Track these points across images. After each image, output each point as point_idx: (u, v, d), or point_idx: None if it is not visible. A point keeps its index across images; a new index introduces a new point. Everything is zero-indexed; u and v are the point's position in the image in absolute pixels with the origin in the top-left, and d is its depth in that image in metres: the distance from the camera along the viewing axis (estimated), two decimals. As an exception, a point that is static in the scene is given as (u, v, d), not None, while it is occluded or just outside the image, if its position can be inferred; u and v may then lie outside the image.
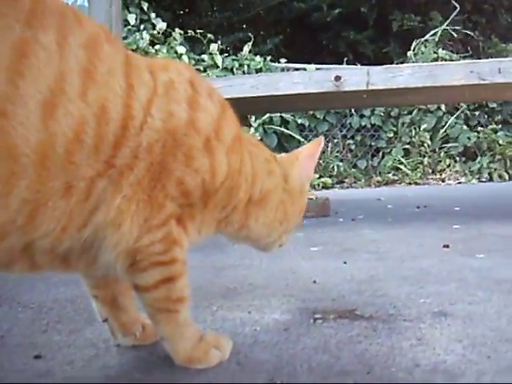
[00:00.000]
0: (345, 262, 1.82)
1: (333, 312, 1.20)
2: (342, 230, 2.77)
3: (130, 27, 8.26)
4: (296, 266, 1.80)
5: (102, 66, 0.81)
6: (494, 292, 1.36)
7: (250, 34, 8.97)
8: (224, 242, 2.38)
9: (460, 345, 0.98)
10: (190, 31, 9.75)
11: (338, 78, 2.81)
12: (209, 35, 9.08)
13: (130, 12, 8.52)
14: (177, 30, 8.34)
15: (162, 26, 8.31)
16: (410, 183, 8.26)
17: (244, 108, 4.09)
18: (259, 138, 7.90)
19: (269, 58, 8.65)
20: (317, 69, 8.86)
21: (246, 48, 8.67)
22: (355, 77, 2.83)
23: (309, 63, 9.23)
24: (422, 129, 8.86)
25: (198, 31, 10.02)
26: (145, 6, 8.81)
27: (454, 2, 9.65)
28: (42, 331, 1.16)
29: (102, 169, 0.80)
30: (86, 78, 0.79)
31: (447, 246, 2.07)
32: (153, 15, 8.64)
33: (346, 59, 9.22)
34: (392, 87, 2.81)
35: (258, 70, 8.42)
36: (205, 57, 8.22)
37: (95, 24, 0.86)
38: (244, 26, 10.32)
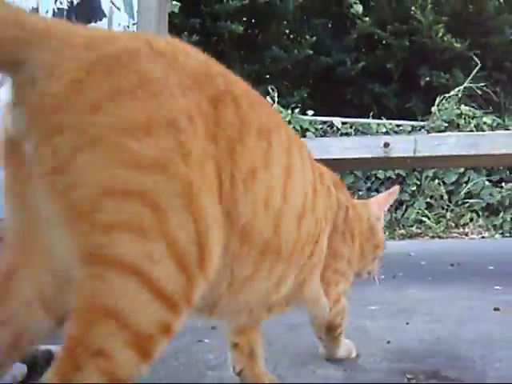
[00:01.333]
0: (407, 323, 1.97)
1: (421, 373, 1.35)
2: (388, 289, 2.91)
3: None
4: (364, 326, 1.95)
5: (319, 185, 1.15)
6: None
7: (275, 87, 9.24)
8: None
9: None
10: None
11: (386, 145, 3.00)
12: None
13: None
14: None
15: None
16: (433, 236, 8.38)
17: None
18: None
19: (296, 110, 8.89)
20: (343, 123, 9.12)
21: (269, 99, 8.91)
22: (403, 144, 3.01)
23: (334, 115, 9.48)
24: (444, 183, 9.01)
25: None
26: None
27: (475, 58, 9.92)
28: None
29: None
30: (314, 195, 1.07)
31: (498, 309, 2.21)
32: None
33: (371, 113, 9.46)
34: (437, 154, 2.99)
35: (287, 122, 8.64)
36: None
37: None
38: (270, 78, 10.61)
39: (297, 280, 1.08)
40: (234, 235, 0.86)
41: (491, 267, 3.94)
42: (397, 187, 1.57)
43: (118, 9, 5.78)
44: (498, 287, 2.89)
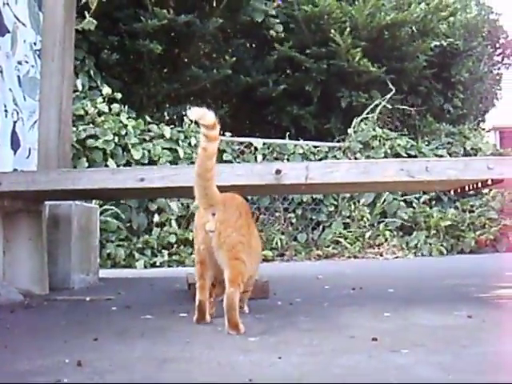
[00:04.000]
0: (279, 357, 1.95)
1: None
2: (278, 317, 2.89)
3: (77, 93, 8.36)
4: (234, 361, 1.92)
5: None
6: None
7: (193, 107, 9.18)
8: (167, 328, 2.49)
9: None
10: (138, 100, 9.98)
11: (278, 172, 3.00)
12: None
13: (77, 77, 8.64)
14: (120, 97, 8.46)
15: (107, 91, 8.43)
16: (349, 257, 8.49)
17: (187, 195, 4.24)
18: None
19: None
20: (264, 143, 9.15)
21: (187, 120, 8.83)
22: (295, 171, 3.02)
23: (253, 136, 9.51)
24: (361, 203, 9.16)
25: (146, 101, 10.26)
26: (94, 73, 8.99)
27: (390, 84, 10.19)
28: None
29: None
30: None
31: (375, 339, 2.22)
32: (102, 84, 8.79)
33: (288, 134, 9.55)
34: (330, 182, 3.01)
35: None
36: (153, 127, 8.37)
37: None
38: (190, 98, 10.59)
39: None
40: None
41: (391, 290, 4.00)
42: None
43: (24, 25, 5.64)
44: (387, 314, 2.92)
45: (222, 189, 2.82)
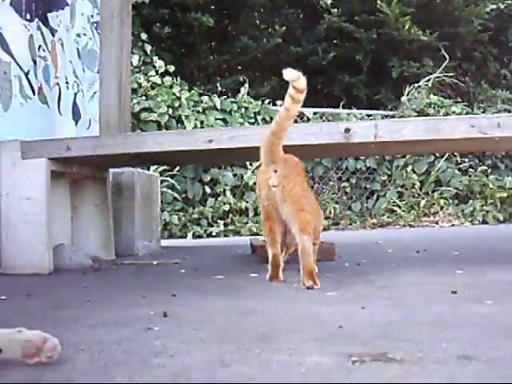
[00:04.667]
0: (363, 308, 1.95)
1: (367, 355, 1.32)
2: (349, 276, 2.90)
3: (132, 68, 8.42)
4: (317, 312, 1.93)
5: None
6: (510, 338, 1.49)
7: (246, 78, 9.19)
8: (240, 286, 2.53)
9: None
10: (189, 72, 9.99)
11: (347, 130, 2.97)
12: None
13: (132, 53, 8.70)
14: (174, 70, 8.51)
15: (160, 64, 8.48)
16: (404, 225, 8.41)
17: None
18: (255, 181, 8.05)
19: (266, 101, 8.84)
20: (314, 113, 9.10)
21: (243, 90, 8.86)
22: (364, 129, 2.99)
23: (305, 105, 9.42)
24: (415, 172, 9.05)
25: (197, 73, 10.27)
26: (148, 48, 9.02)
27: (443, 51, 9.97)
28: (103, 372, 1.28)
29: None
30: None
31: (455, 292, 2.20)
32: (155, 58, 8.82)
33: (342, 103, 9.46)
34: (398, 140, 2.97)
35: (256, 113, 8.61)
36: (204, 98, 8.39)
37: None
38: (241, 69, 10.56)
39: None
40: None
41: (456, 252, 3.95)
42: None
43: (82, -2, 5.68)
44: (459, 271, 2.89)
45: (291, 149, 2.83)
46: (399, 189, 9.11)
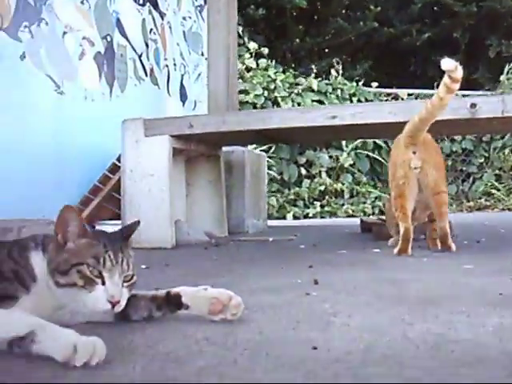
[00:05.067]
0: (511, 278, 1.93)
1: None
2: (476, 252, 2.87)
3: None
4: (466, 281, 1.92)
5: None
6: None
7: (339, 60, 9.13)
8: (369, 260, 2.56)
9: None
10: (281, 55, 10.01)
11: (473, 106, 2.93)
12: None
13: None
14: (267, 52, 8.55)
15: (254, 46, 8.53)
16: (503, 209, 8.20)
17: (383, 132, 4.24)
18: (352, 162, 8.02)
19: (361, 82, 8.77)
20: (409, 94, 8.97)
21: (334, 73, 8.82)
22: (490, 104, 2.94)
23: (397, 87, 9.31)
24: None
25: (289, 56, 10.27)
26: (239, 29, 9.07)
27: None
28: (292, 329, 1.32)
29: None
30: None
31: None
32: (246, 39, 8.89)
33: (436, 84, 9.25)
34: (528, 114, 2.90)
35: (352, 95, 8.56)
36: (301, 80, 8.40)
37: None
38: (333, 51, 10.51)
39: None
40: None
41: None
42: None
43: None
44: None
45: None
46: (497, 171, 8.88)
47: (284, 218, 7.28)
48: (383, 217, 4.57)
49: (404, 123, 2.82)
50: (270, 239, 3.81)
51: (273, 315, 1.47)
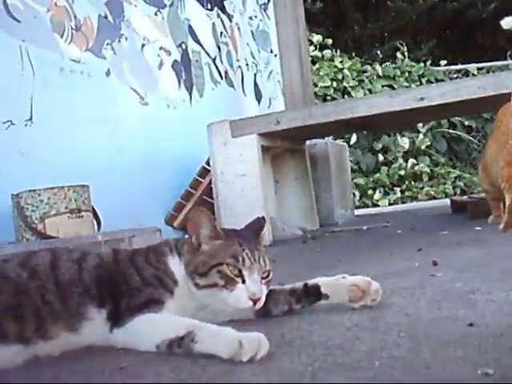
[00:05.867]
0: None
1: None
2: None
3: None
4: None
5: None
6: None
7: (402, 42, 9.00)
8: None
9: None
10: (343, 44, 9.94)
11: None
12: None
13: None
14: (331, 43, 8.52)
15: (318, 38, 8.52)
16: None
17: (471, 108, 4.15)
18: (429, 143, 7.90)
19: (428, 62, 8.63)
20: (478, 69, 8.75)
21: (399, 56, 8.71)
22: None
23: (465, 63, 9.11)
24: None
25: (352, 44, 10.19)
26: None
27: None
28: (437, 308, 1.33)
29: None
30: None
31: None
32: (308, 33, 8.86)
33: (509, 53, 9.02)
34: None
35: (421, 76, 8.42)
36: (366, 67, 8.33)
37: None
38: (396, 34, 10.36)
39: None
40: None
41: None
42: None
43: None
44: None
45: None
46: None
47: (366, 206, 7.24)
48: (476, 195, 4.49)
49: (494, 97, 2.76)
50: (365, 228, 3.80)
51: (409, 297, 1.48)
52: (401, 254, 2.39)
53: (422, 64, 8.56)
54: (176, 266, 1.41)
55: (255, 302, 1.32)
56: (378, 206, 7.28)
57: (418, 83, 8.33)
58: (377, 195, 7.45)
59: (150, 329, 1.26)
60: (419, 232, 3.26)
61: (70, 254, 1.47)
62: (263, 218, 1.60)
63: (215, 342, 1.14)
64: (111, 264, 1.44)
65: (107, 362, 1.21)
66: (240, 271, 1.33)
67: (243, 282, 1.33)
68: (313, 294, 1.43)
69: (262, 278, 1.36)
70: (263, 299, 1.34)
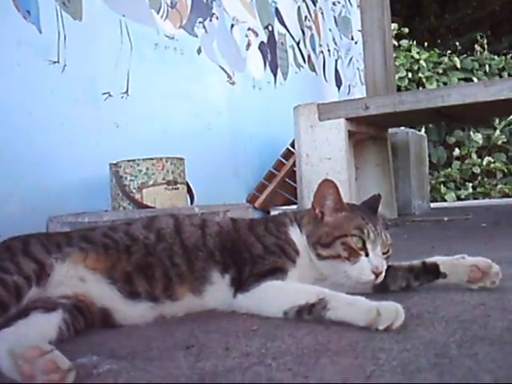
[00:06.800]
0: None
1: None
2: None
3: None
4: None
5: None
6: None
7: (482, 34, 8.80)
8: None
9: None
10: (419, 35, 9.78)
11: None
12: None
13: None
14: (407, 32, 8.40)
15: (394, 27, 8.41)
16: None
17: None
18: (505, 140, 7.73)
19: (509, 55, 8.43)
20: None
21: (478, 48, 8.52)
22: None
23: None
24: None
25: (428, 35, 10.02)
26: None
27: None
28: None
29: None
30: None
31: None
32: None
33: None
34: None
35: (501, 69, 8.24)
36: (443, 59, 8.19)
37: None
38: (474, 26, 10.14)
39: None
40: None
41: None
42: None
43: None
44: None
45: None
46: None
47: (435, 200, 7.14)
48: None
49: None
50: (445, 219, 3.77)
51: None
52: (495, 243, 2.37)
53: (502, 57, 8.35)
54: (297, 236, 1.44)
55: (377, 275, 1.33)
56: (445, 200, 7.17)
57: (499, 77, 8.14)
58: (444, 189, 7.34)
59: (277, 295, 1.28)
60: (506, 226, 3.21)
61: (190, 219, 1.51)
62: (379, 195, 1.61)
63: (350, 309, 1.15)
64: (232, 231, 1.48)
65: (236, 324, 1.24)
66: (364, 244, 1.35)
67: (366, 254, 1.34)
68: (431, 272, 1.44)
69: (383, 253, 1.38)
70: (383, 274, 1.35)
